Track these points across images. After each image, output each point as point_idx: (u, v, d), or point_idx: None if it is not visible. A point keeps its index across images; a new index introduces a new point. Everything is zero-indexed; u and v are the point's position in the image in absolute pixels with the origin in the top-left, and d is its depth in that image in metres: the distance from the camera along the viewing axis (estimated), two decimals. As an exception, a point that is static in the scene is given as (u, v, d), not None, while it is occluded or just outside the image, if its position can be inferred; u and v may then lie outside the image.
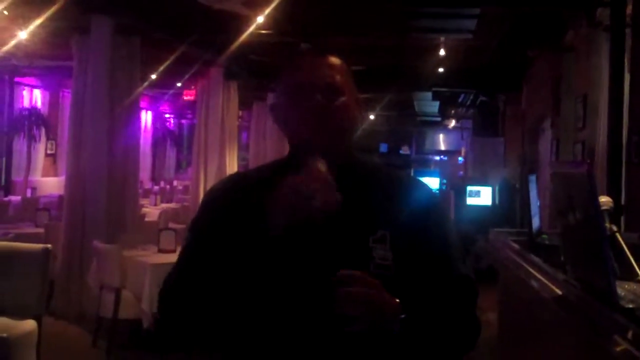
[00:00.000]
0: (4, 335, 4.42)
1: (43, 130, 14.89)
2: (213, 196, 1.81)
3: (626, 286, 2.32)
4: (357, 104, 1.76)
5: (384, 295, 1.55)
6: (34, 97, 15.62)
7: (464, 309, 1.71)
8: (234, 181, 1.88)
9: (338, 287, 1.50)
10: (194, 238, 1.74)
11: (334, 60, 1.75)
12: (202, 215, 1.77)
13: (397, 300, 1.58)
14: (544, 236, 3.89)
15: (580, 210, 2.22)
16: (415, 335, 1.60)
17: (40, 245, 5.26)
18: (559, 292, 2.50)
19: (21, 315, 4.88)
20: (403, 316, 1.56)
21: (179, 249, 1.79)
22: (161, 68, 11.39)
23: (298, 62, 1.77)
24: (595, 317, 2.06)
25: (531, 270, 3.02)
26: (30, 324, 4.91)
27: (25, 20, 8.81)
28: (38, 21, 8.63)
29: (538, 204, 3.92)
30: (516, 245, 3.66)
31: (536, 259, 3.14)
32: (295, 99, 1.70)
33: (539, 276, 2.85)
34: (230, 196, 1.76)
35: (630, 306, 2.02)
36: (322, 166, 1.60)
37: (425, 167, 25.52)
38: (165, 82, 14.08)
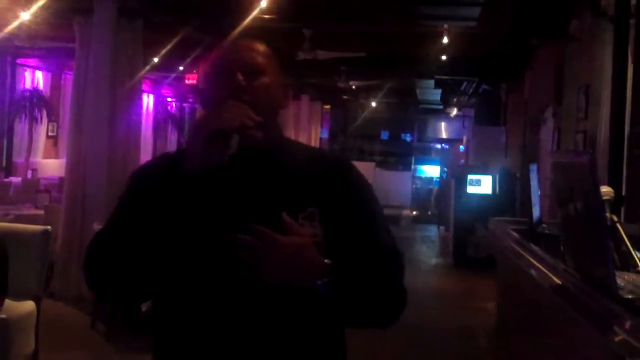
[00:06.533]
0: (3, 316, 4.42)
1: (44, 112, 14.80)
2: (136, 171, 1.87)
3: (625, 277, 2.33)
4: (281, 86, 1.81)
5: (308, 254, 1.62)
6: (35, 78, 15.52)
7: (389, 278, 1.75)
8: (158, 158, 1.96)
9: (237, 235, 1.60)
10: (118, 205, 1.78)
11: (255, 43, 1.81)
12: (127, 188, 1.81)
13: (327, 261, 1.63)
14: (544, 225, 3.89)
15: (581, 200, 2.21)
16: (342, 299, 1.65)
17: (40, 227, 5.25)
18: (559, 281, 2.51)
19: (20, 296, 4.87)
20: (326, 280, 1.61)
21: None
22: (163, 51, 11.34)
23: (219, 47, 1.82)
24: (595, 306, 2.06)
25: (531, 259, 3.02)
26: (29, 305, 4.91)
27: (28, 1, 8.76)
28: (41, 2, 8.58)
29: (539, 193, 3.92)
30: (516, 234, 3.66)
31: (536, 249, 3.15)
32: (217, 81, 1.74)
33: (539, 265, 2.85)
34: (152, 168, 1.83)
35: (630, 297, 2.02)
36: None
37: (426, 154, 25.49)
38: (167, 66, 14.02)
